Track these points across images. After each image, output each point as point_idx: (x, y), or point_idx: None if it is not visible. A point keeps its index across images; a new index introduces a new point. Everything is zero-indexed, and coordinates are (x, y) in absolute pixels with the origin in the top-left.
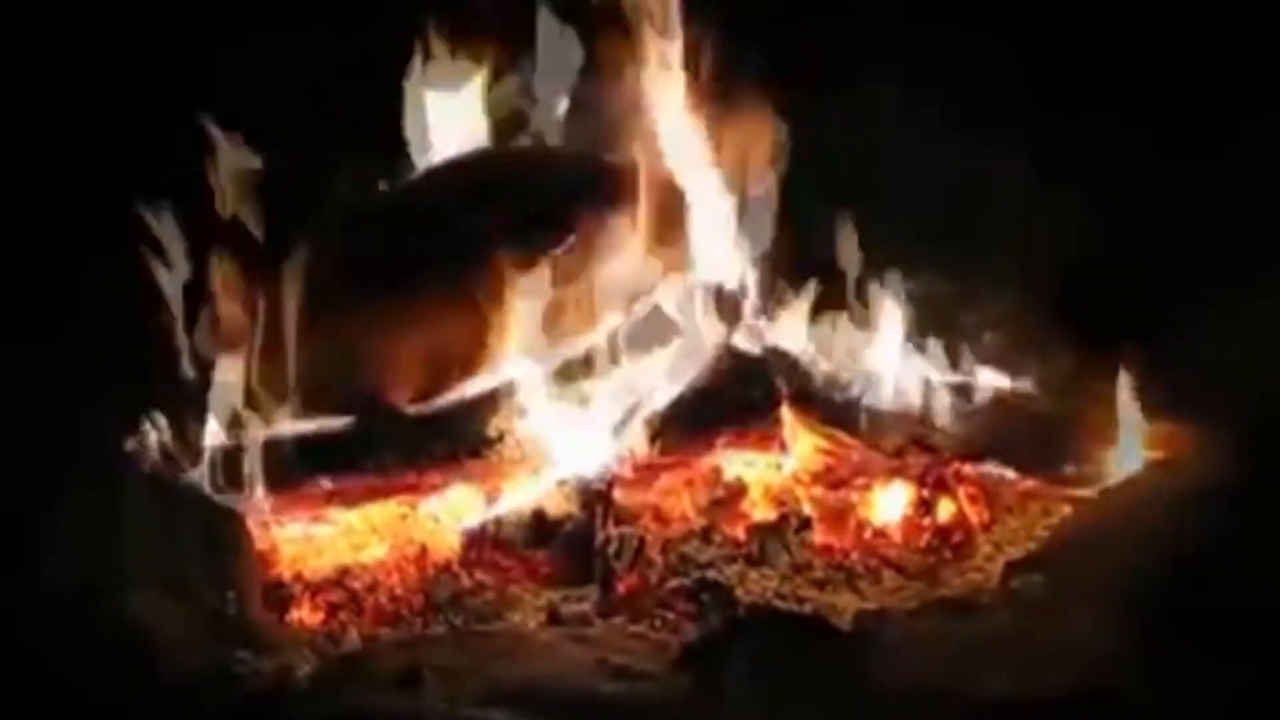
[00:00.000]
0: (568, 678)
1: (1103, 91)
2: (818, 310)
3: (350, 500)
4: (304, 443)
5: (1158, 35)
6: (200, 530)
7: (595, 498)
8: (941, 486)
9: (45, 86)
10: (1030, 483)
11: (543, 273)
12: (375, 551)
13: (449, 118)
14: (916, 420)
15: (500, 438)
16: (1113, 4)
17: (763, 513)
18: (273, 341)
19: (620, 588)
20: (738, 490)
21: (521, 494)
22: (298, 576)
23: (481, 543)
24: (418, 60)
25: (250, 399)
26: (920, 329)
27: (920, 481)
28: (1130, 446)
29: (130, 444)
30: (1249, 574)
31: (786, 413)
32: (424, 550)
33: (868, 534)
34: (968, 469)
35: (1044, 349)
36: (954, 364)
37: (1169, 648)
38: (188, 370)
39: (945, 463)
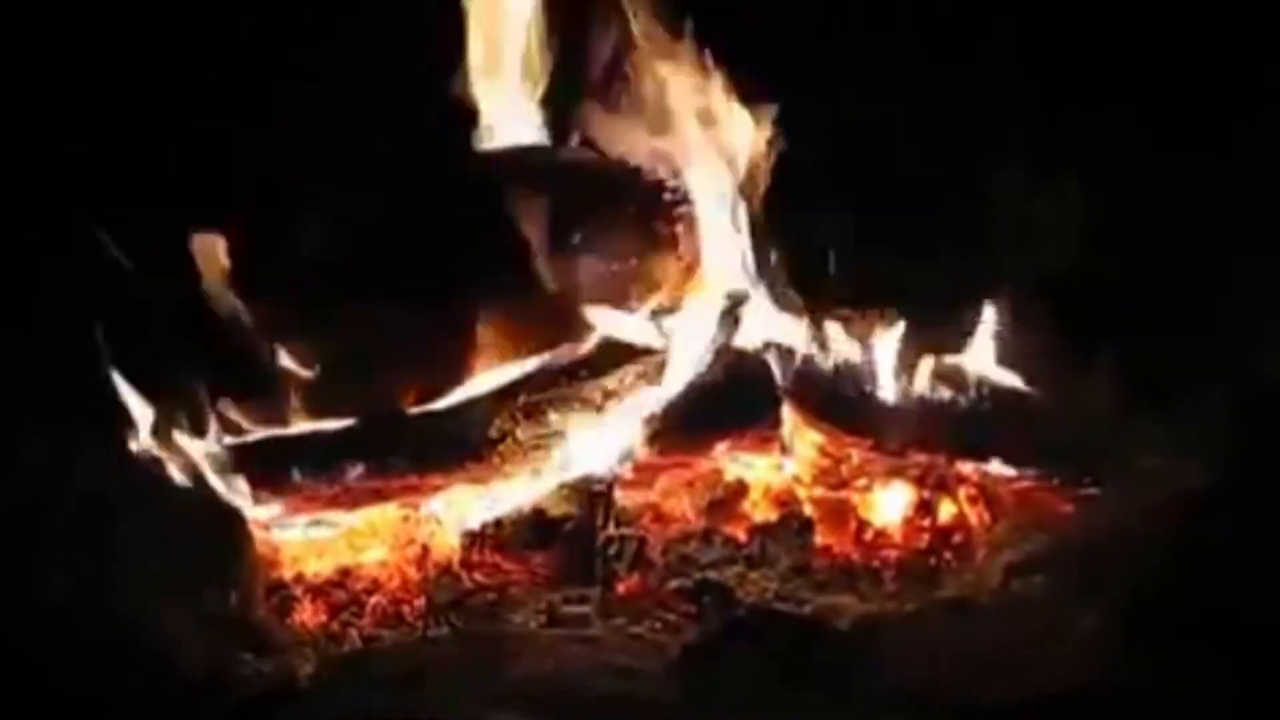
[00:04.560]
0: (568, 678)
1: (1105, 89)
2: (818, 309)
3: (351, 502)
4: (306, 444)
5: (1158, 34)
6: (202, 532)
7: (596, 499)
8: (942, 487)
9: (47, 88)
10: (1030, 483)
11: (545, 273)
12: (376, 553)
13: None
14: (917, 420)
15: (501, 439)
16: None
17: (763, 514)
18: (275, 342)
19: (621, 589)
20: (738, 491)
21: (522, 495)
22: (299, 578)
23: (482, 544)
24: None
25: (253, 400)
26: (920, 328)
27: (921, 482)
28: (1130, 446)
29: (131, 444)
30: (1248, 574)
31: (787, 413)
32: (425, 552)
33: (868, 535)
34: (968, 469)
35: (1044, 349)
36: (955, 363)
37: (1169, 648)
38: (190, 370)
39: (946, 463)
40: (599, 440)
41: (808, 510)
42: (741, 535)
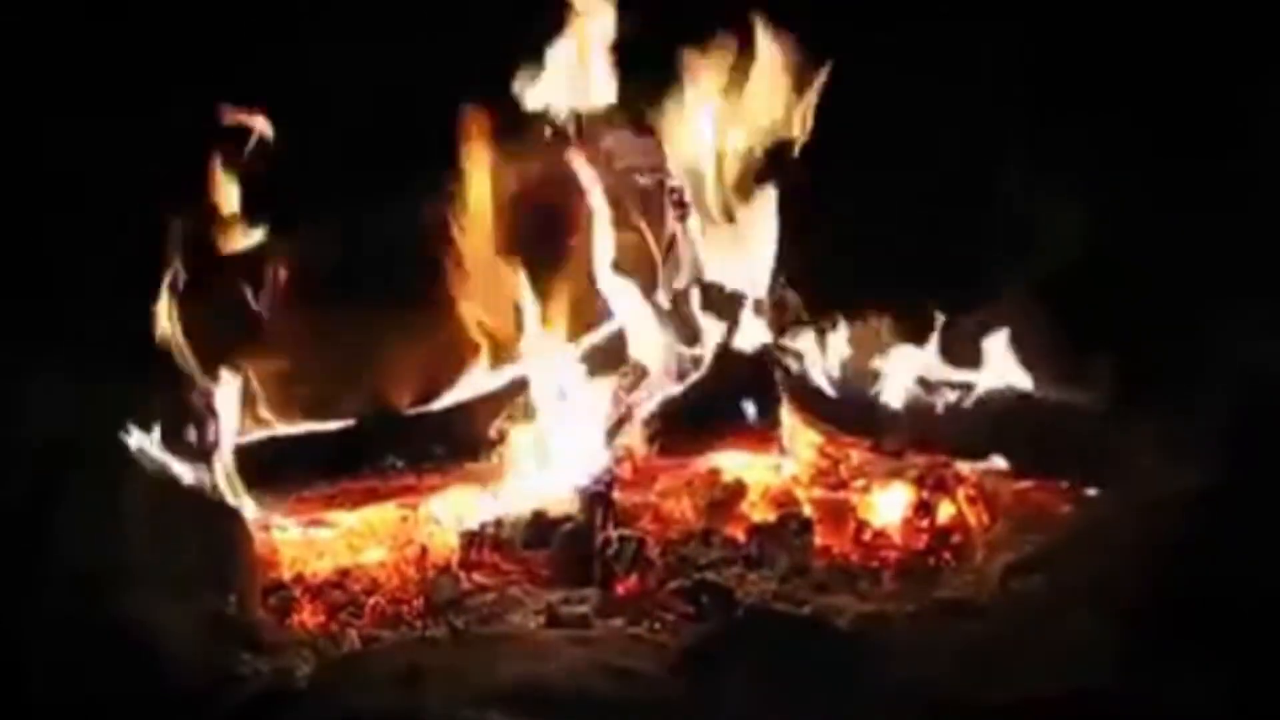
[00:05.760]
0: (567, 679)
1: (1104, 90)
2: (817, 310)
3: (351, 502)
4: (305, 444)
5: (1158, 34)
6: (201, 532)
7: (595, 499)
8: (941, 488)
9: (50, 84)
10: (1030, 483)
11: (543, 274)
12: (375, 553)
13: None
14: (916, 420)
15: (500, 439)
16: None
17: (762, 514)
18: (274, 342)
19: (619, 589)
20: (737, 492)
21: (521, 495)
22: (298, 578)
23: (481, 544)
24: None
25: (251, 400)
26: (920, 329)
27: (920, 483)
28: (1130, 446)
29: (132, 445)
30: (1246, 575)
31: (786, 414)
32: (424, 552)
33: (867, 536)
34: (967, 470)
35: (1043, 349)
36: (954, 364)
37: (1169, 648)
38: (190, 371)
39: (944, 463)
40: (598, 440)
41: (807, 511)
42: (740, 536)
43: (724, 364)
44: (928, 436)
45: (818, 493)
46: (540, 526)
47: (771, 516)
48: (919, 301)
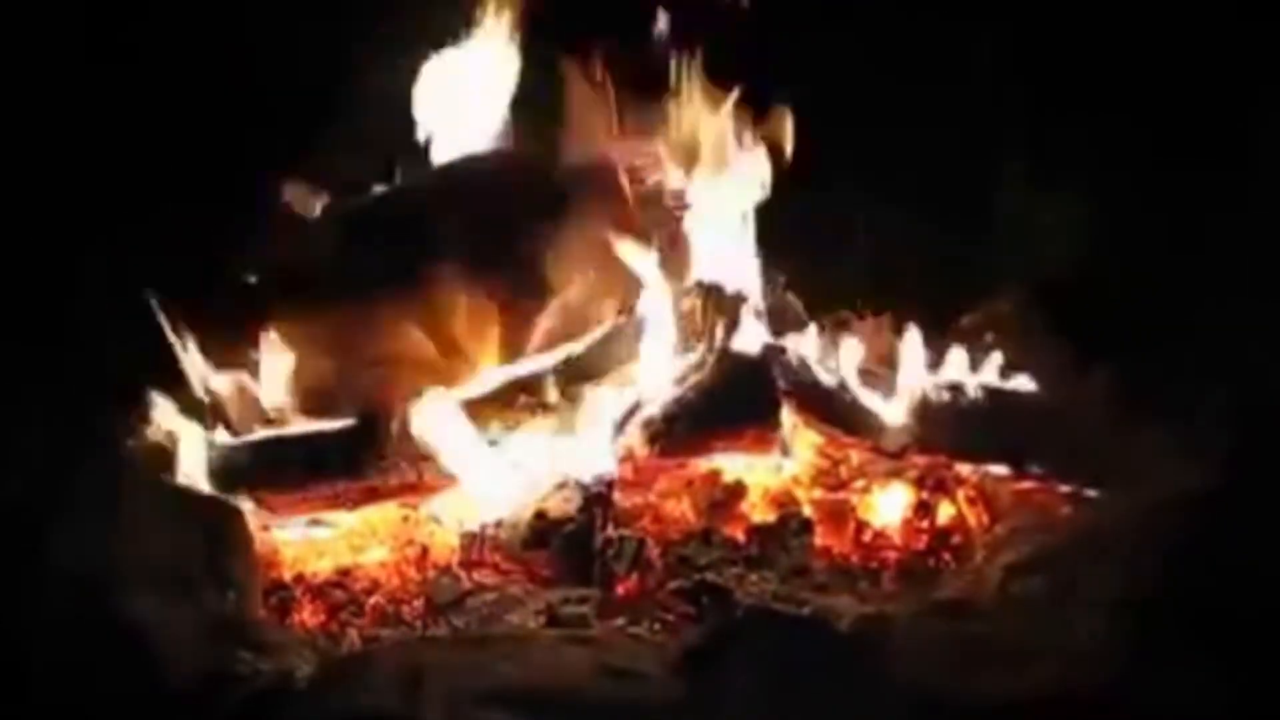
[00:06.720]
0: (567, 679)
1: (1104, 92)
2: (818, 310)
3: (351, 502)
4: (305, 444)
5: (1163, 36)
6: (202, 531)
7: (595, 500)
8: (941, 488)
9: (50, 85)
10: (1029, 484)
11: (544, 273)
12: (375, 553)
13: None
14: (916, 421)
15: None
16: (1113, 5)
17: (762, 515)
18: (275, 343)
19: (620, 590)
20: (737, 492)
21: (522, 495)
22: (299, 578)
23: (481, 544)
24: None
25: (252, 400)
26: (921, 330)
27: (920, 483)
28: (1130, 448)
29: (131, 444)
30: (1247, 576)
31: (786, 414)
32: (424, 552)
33: (867, 536)
34: (967, 470)
35: (1043, 350)
36: (955, 365)
37: (1167, 650)
38: (190, 370)
39: (945, 464)
40: (599, 440)
41: (807, 511)
42: (741, 536)
43: (724, 364)
44: (928, 437)
45: (818, 493)
46: (540, 527)
47: (771, 517)
48: (921, 303)
